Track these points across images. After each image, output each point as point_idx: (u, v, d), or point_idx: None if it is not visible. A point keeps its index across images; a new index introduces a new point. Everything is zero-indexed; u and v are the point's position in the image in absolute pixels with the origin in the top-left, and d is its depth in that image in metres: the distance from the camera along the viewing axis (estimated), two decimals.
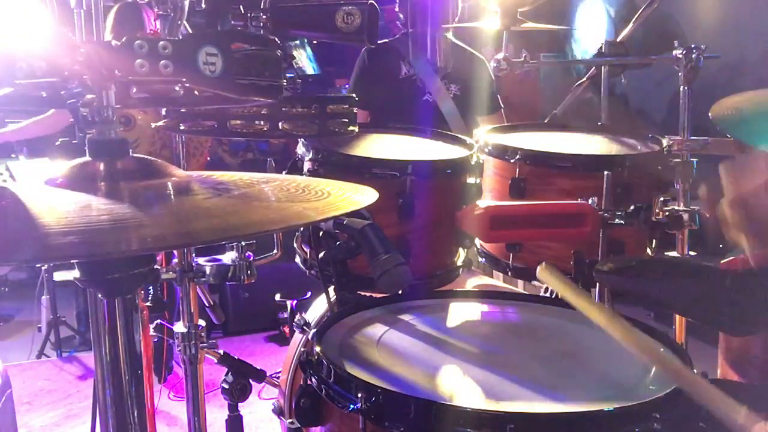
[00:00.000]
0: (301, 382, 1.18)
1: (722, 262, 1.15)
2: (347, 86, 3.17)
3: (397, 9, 3.03)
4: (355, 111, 1.39)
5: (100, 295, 0.88)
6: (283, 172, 1.64)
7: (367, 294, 1.46)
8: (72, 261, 0.75)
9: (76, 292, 4.29)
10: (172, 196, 0.80)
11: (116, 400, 0.89)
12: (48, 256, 0.67)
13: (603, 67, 2.30)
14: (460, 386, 1.02)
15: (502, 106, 3.02)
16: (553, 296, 1.80)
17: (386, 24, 3.09)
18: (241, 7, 1.28)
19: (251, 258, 1.54)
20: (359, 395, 0.96)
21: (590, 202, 1.45)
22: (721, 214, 1.02)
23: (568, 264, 1.58)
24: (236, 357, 1.63)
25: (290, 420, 1.15)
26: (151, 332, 1.68)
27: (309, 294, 1.92)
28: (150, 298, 1.70)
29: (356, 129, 1.39)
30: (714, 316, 1.13)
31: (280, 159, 4.77)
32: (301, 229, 1.67)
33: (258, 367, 1.65)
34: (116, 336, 0.88)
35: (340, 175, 1.47)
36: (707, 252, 1.56)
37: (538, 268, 1.10)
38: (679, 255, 1.75)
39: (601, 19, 4.28)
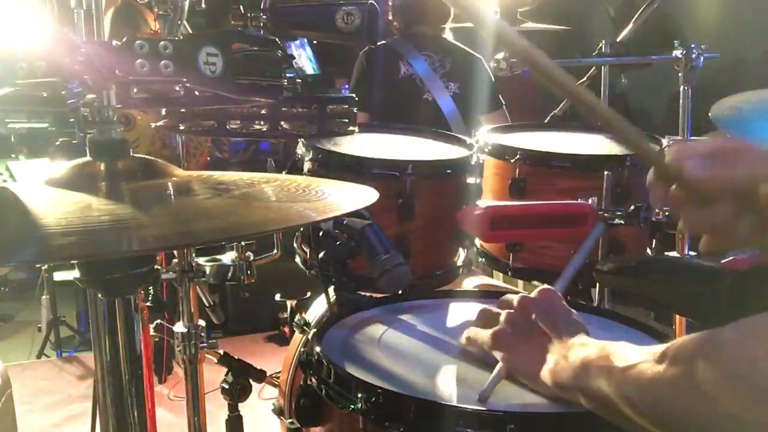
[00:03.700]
0: (301, 382, 1.18)
1: (722, 262, 1.15)
2: (347, 86, 3.18)
3: (390, 17, 3.04)
4: (355, 111, 1.39)
5: (100, 295, 0.88)
6: (283, 172, 1.64)
7: (367, 294, 1.46)
8: (72, 261, 0.75)
9: (76, 292, 4.30)
10: (173, 197, 0.80)
11: (116, 400, 0.89)
12: (48, 256, 0.67)
13: (603, 67, 2.30)
14: (460, 386, 1.02)
15: (503, 103, 3.02)
16: None
17: (384, 24, 3.10)
18: (241, 7, 1.28)
19: (251, 258, 1.54)
20: (359, 395, 0.96)
21: (590, 202, 1.45)
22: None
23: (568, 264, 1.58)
24: (236, 357, 1.63)
25: (290, 420, 1.15)
26: (151, 332, 1.68)
27: (309, 294, 1.92)
28: (150, 298, 1.69)
29: (356, 129, 1.39)
30: (714, 316, 1.13)
31: (280, 159, 4.77)
32: (301, 229, 1.67)
33: (258, 367, 1.65)
34: (116, 336, 0.88)
35: (340, 175, 1.47)
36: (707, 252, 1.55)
37: None
38: (679, 255, 1.75)
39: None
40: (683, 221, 0.81)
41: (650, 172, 0.82)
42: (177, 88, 0.77)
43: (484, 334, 1.04)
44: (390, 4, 3.05)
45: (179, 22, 1.20)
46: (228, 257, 1.54)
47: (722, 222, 0.77)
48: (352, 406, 0.97)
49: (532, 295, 1.06)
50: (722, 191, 0.76)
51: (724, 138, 0.82)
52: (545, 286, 1.08)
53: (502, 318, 1.04)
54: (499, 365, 1.00)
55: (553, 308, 1.02)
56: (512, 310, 1.04)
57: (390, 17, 3.05)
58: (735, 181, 0.75)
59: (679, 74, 1.78)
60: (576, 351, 0.90)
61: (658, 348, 0.72)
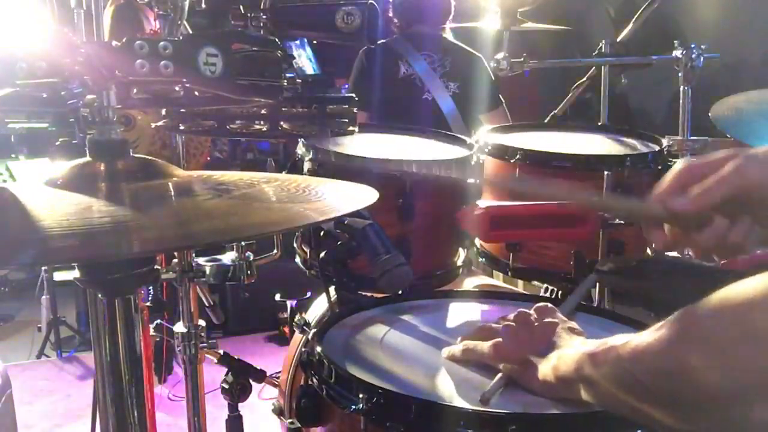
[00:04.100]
0: (301, 382, 1.18)
1: (722, 262, 1.15)
2: (347, 86, 3.18)
3: (391, 14, 3.05)
4: (355, 111, 1.39)
5: (100, 295, 0.88)
6: (283, 172, 1.64)
7: (368, 294, 1.46)
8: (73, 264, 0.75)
9: (76, 292, 4.30)
10: (173, 197, 0.80)
11: (116, 400, 0.89)
12: (48, 259, 0.67)
13: (603, 67, 2.30)
14: (461, 387, 1.02)
15: (503, 101, 3.02)
16: (553, 296, 1.80)
17: (384, 24, 3.10)
18: (241, 7, 1.28)
19: (251, 258, 1.54)
20: (360, 395, 0.96)
21: None
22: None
23: (568, 264, 1.58)
24: (236, 357, 1.63)
25: (290, 420, 1.15)
26: (151, 332, 1.68)
27: (309, 294, 1.92)
28: (150, 298, 1.69)
29: (356, 129, 1.39)
30: None
31: (280, 159, 4.77)
32: (302, 229, 1.67)
33: (258, 367, 1.65)
34: (116, 336, 0.88)
35: (340, 175, 1.47)
36: None
37: None
38: (679, 255, 1.75)
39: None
40: (692, 251, 0.89)
41: (644, 226, 0.90)
42: (177, 89, 0.77)
43: (484, 346, 1.05)
44: (391, 1, 3.05)
45: (179, 22, 1.20)
46: (228, 257, 1.54)
47: (722, 235, 0.84)
48: (353, 407, 0.97)
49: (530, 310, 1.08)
50: (709, 210, 0.82)
51: (687, 163, 0.86)
52: (542, 303, 1.11)
53: (501, 330, 1.05)
54: (500, 374, 1.01)
55: (553, 318, 1.04)
56: (511, 323, 1.05)
57: (390, 14, 3.05)
58: (716, 199, 0.81)
59: (679, 74, 1.78)
60: (577, 346, 0.92)
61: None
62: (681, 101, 1.79)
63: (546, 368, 0.94)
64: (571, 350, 0.92)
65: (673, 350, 0.67)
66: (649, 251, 1.72)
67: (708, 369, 0.63)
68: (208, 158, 2.83)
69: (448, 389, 1.01)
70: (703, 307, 0.67)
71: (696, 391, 0.65)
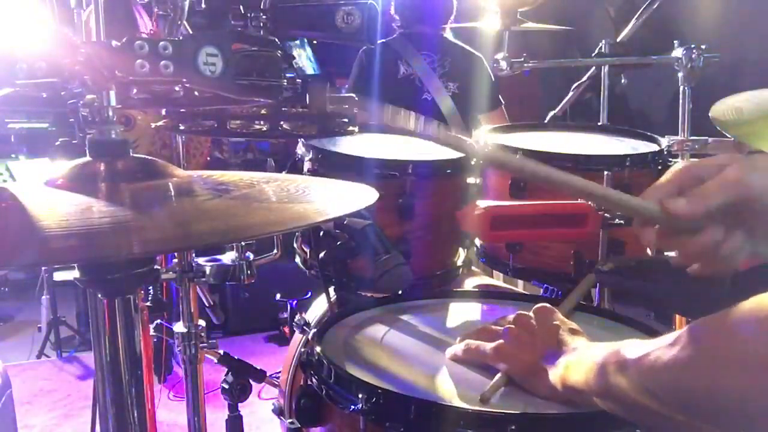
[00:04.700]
0: (301, 383, 1.18)
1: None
2: (347, 86, 3.18)
3: (392, 12, 3.05)
4: (355, 111, 1.39)
5: (100, 295, 0.88)
6: (283, 172, 1.64)
7: (368, 294, 1.46)
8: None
9: (76, 292, 4.29)
10: (173, 198, 0.80)
11: (116, 400, 0.89)
12: (48, 259, 0.67)
13: (603, 67, 2.30)
14: (460, 386, 1.02)
15: (502, 102, 3.02)
16: (553, 296, 1.80)
17: (384, 23, 3.10)
18: (241, 7, 1.27)
19: (251, 258, 1.54)
20: (360, 395, 0.96)
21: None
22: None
23: (568, 264, 1.58)
24: (236, 357, 1.63)
25: (290, 420, 1.15)
26: (151, 332, 1.68)
27: (309, 294, 1.92)
28: (150, 298, 1.69)
29: (356, 129, 1.39)
30: None
31: (280, 159, 4.77)
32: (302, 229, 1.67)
33: (258, 367, 1.65)
34: (116, 336, 0.88)
35: (340, 175, 1.47)
36: None
37: None
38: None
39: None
40: (679, 254, 0.85)
41: (635, 222, 0.86)
42: (177, 89, 0.77)
43: (485, 347, 1.05)
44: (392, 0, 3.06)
45: (179, 22, 1.20)
46: (228, 257, 1.54)
47: (713, 245, 0.80)
48: (353, 407, 0.97)
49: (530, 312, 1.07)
50: (705, 215, 0.79)
51: (687, 164, 0.83)
52: (542, 304, 1.10)
53: (503, 332, 1.05)
54: (500, 374, 1.01)
55: (553, 320, 1.04)
56: (512, 325, 1.05)
57: (393, 12, 3.05)
58: (715, 205, 0.78)
59: (679, 74, 1.78)
60: (585, 354, 0.90)
61: (669, 335, 0.71)
62: (681, 101, 1.79)
63: (553, 376, 0.94)
64: (578, 357, 0.91)
65: (703, 371, 0.65)
66: (649, 251, 1.72)
67: (751, 389, 0.60)
68: (208, 158, 2.83)
69: (447, 389, 1.01)
70: (733, 322, 0.64)
71: (737, 407, 0.62)
